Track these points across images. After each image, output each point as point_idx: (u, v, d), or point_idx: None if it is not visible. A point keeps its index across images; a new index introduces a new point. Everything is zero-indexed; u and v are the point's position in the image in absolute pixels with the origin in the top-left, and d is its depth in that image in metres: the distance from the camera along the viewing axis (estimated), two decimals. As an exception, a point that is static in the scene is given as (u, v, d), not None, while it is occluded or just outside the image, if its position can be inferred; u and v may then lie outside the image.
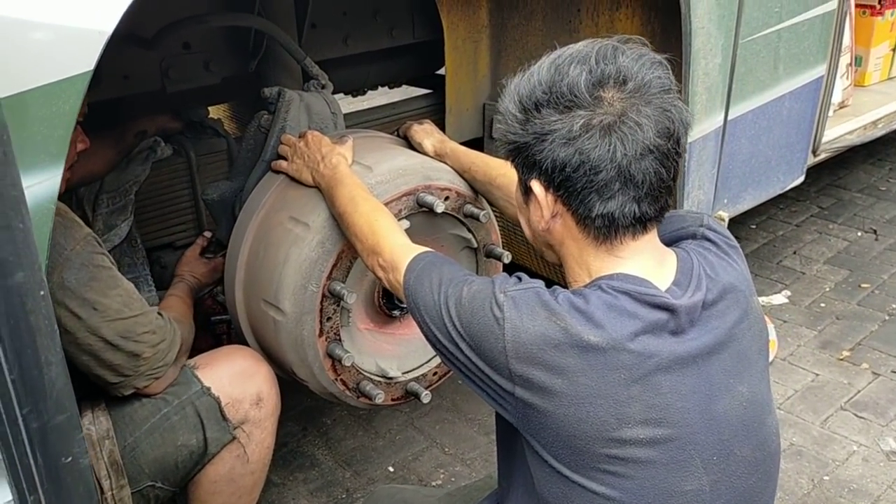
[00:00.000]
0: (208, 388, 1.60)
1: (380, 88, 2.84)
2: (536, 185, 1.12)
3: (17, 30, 1.06)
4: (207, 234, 2.06)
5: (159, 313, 1.56)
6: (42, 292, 0.67)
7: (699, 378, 1.08)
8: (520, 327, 1.06)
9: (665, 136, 1.06)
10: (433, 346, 1.21)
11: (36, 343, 0.67)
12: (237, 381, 1.64)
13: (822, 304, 3.14)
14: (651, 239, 1.13)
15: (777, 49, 2.39)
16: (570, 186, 1.09)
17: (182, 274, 1.96)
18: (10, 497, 0.72)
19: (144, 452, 1.56)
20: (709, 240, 1.21)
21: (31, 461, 0.71)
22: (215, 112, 2.63)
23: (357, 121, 2.41)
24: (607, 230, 1.10)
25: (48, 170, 1.10)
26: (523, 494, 1.20)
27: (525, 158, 1.12)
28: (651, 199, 1.08)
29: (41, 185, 1.08)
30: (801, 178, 2.80)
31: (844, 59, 3.21)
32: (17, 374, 0.67)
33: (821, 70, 2.64)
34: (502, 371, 1.08)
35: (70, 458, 0.72)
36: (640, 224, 1.10)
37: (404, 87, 2.95)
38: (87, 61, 1.11)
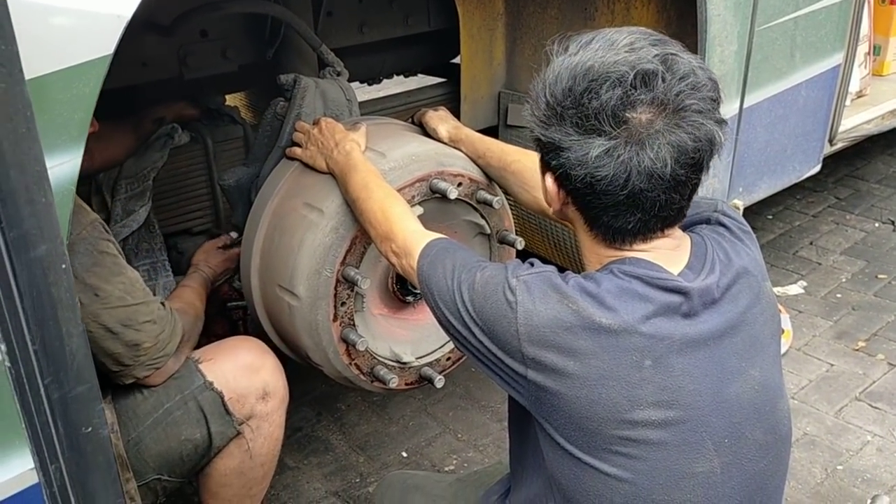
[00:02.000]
0: (211, 383, 1.59)
1: (395, 77, 2.85)
2: (549, 180, 1.13)
3: (39, 14, 1.08)
4: (234, 234, 2.03)
5: (162, 303, 1.56)
6: (63, 265, 0.68)
7: (711, 361, 1.08)
8: (532, 311, 1.07)
9: (687, 165, 1.05)
10: (446, 330, 1.23)
11: (57, 315, 0.69)
12: (241, 375, 1.62)
13: (839, 295, 3.12)
14: (662, 237, 1.13)
15: (794, 37, 2.38)
16: (578, 198, 1.10)
17: (197, 263, 1.96)
18: (32, 465, 0.75)
19: (148, 447, 1.55)
20: (723, 225, 1.21)
21: (53, 430, 0.73)
22: (231, 100, 2.65)
23: (372, 109, 2.42)
24: (614, 236, 1.12)
25: (69, 151, 1.12)
26: (536, 478, 1.21)
27: (541, 152, 1.13)
28: (661, 218, 1.09)
29: (62, 166, 1.10)
30: (818, 168, 2.78)
31: (862, 48, 3.18)
32: (40, 344, 0.69)
33: (838, 58, 2.62)
34: (515, 355, 1.09)
35: (90, 428, 0.74)
36: (650, 233, 1.11)
37: (419, 75, 2.96)
38: (106, 45, 1.13)
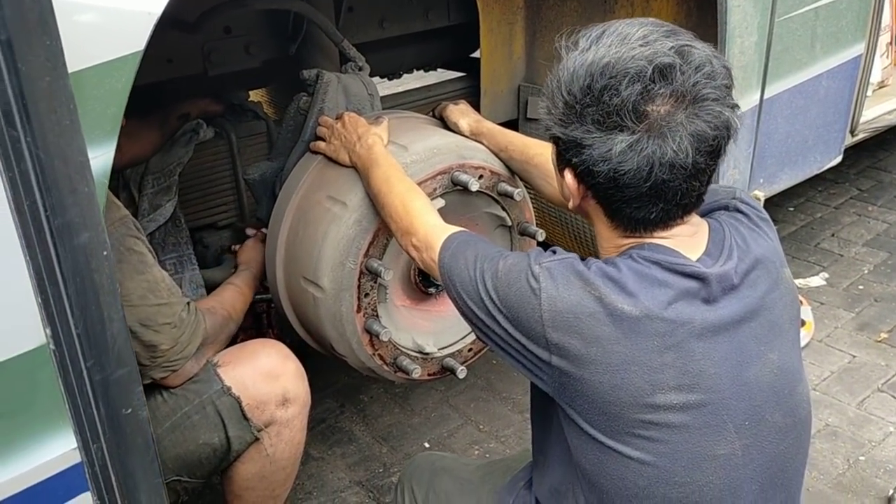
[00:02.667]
0: (228, 388, 1.57)
1: (415, 71, 2.87)
2: (569, 176, 1.15)
3: (73, 11, 1.11)
4: (263, 230, 2.04)
5: (188, 303, 1.55)
6: (105, 252, 0.71)
7: (731, 345, 1.10)
8: (556, 297, 1.09)
9: (706, 153, 1.07)
10: (469, 321, 1.25)
11: (99, 300, 0.72)
12: (261, 381, 1.60)
13: (861, 287, 3.10)
14: (681, 223, 1.15)
15: (814, 27, 2.37)
16: (600, 192, 1.12)
17: (247, 262, 1.95)
18: (74, 444, 0.78)
19: (167, 449, 1.54)
20: (740, 212, 1.22)
21: (94, 412, 0.75)
22: (254, 96, 2.68)
23: (393, 103, 2.44)
24: (635, 226, 1.14)
25: (102, 146, 1.14)
26: (559, 465, 1.23)
27: (560, 150, 1.15)
28: (682, 206, 1.11)
29: (95, 160, 1.13)
30: (839, 159, 2.77)
31: (884, 38, 3.15)
32: (82, 328, 0.71)
33: (859, 49, 2.60)
34: (539, 341, 1.11)
35: (130, 410, 0.77)
36: (670, 220, 1.13)
37: (439, 69, 2.97)
38: (137, 42, 1.16)
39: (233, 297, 1.80)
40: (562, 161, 1.16)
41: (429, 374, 1.90)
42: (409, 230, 1.44)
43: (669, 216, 1.12)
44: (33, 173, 0.66)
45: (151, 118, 2.06)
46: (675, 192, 1.08)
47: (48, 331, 0.72)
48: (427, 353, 1.88)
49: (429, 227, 1.40)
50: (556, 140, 1.15)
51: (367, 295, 1.74)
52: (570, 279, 1.10)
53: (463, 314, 1.26)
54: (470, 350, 1.96)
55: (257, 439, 1.61)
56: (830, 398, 2.51)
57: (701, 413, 1.08)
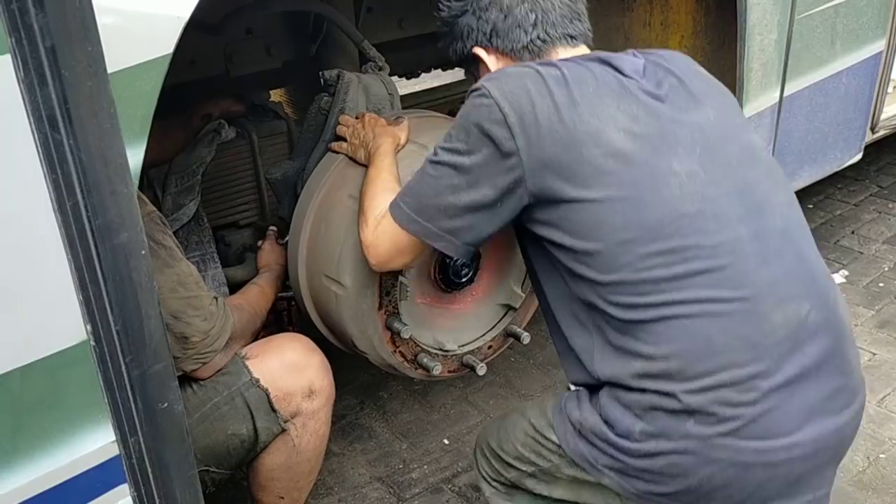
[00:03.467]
0: (257, 380, 1.61)
1: (433, 70, 2.89)
2: (481, 52, 1.46)
3: (103, 15, 1.14)
4: (273, 228, 2.09)
5: (215, 298, 1.58)
6: (143, 251, 0.74)
7: (669, 106, 1.30)
8: (503, 86, 1.28)
9: None
10: (450, 209, 1.33)
11: (138, 298, 0.74)
12: (287, 374, 1.64)
13: (881, 284, 3.09)
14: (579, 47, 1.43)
15: (834, 24, 2.36)
16: (498, 32, 1.42)
17: (268, 265, 1.99)
18: (113, 438, 0.80)
19: (196, 439, 1.54)
20: None
21: (132, 405, 0.78)
22: (275, 96, 2.71)
23: (412, 103, 2.46)
24: (541, 45, 1.41)
25: (132, 147, 1.17)
26: (568, 315, 1.36)
27: (475, 44, 1.46)
28: (567, 19, 1.42)
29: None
30: (859, 156, 2.76)
31: (906, 34, 3.14)
32: (121, 325, 0.74)
33: (880, 45, 2.59)
34: (505, 142, 1.26)
35: (166, 404, 0.79)
36: (569, 38, 1.42)
37: (457, 68, 2.98)
38: (166, 45, 1.18)
39: (257, 295, 1.84)
40: (473, 55, 1.48)
41: (449, 371, 1.92)
42: (362, 219, 1.53)
43: (559, 33, 1.41)
44: (76, 175, 0.68)
45: (175, 119, 2.09)
46: (552, 4, 1.40)
47: (89, 327, 0.74)
48: (447, 351, 1.90)
49: (379, 209, 1.49)
50: (469, 39, 1.47)
51: (388, 293, 1.76)
52: (509, 73, 1.31)
53: (441, 209, 1.34)
54: (490, 347, 1.98)
55: (284, 430, 1.64)
56: (850, 396, 2.50)
57: (649, 142, 1.25)
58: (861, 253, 3.32)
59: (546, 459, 1.44)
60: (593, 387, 1.34)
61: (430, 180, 1.36)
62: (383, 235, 1.45)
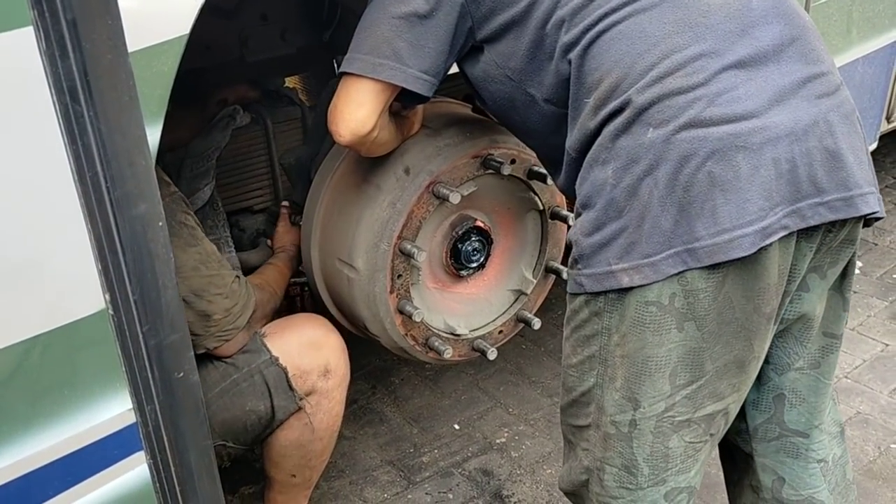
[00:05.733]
0: (276, 358, 1.64)
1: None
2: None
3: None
4: (286, 203, 2.12)
5: (237, 276, 1.61)
6: (160, 223, 0.75)
7: None
8: None
9: None
10: (386, 32, 1.34)
11: (155, 268, 0.76)
12: (305, 352, 1.67)
13: (895, 276, 3.08)
14: None
15: (850, 12, 2.35)
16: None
17: (283, 246, 2.01)
18: (130, 406, 0.82)
19: (215, 413, 1.60)
20: None
21: (149, 374, 0.80)
22: (289, 82, 2.73)
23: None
24: None
25: (149, 127, 1.19)
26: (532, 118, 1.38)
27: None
28: None
29: (143, 140, 1.18)
30: (874, 145, 2.75)
31: (923, 24, 3.11)
32: (139, 295, 0.76)
33: (896, 34, 2.58)
34: None
35: (182, 374, 0.81)
36: None
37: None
38: (183, 26, 1.20)
39: (275, 275, 1.87)
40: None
41: (459, 356, 1.93)
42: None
43: None
44: (95, 146, 0.70)
45: (191, 104, 2.10)
46: None
47: (107, 297, 0.76)
48: (458, 335, 1.91)
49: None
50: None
51: (400, 276, 1.78)
52: None
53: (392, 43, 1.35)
54: (500, 332, 1.99)
55: (300, 408, 1.67)
56: (862, 386, 2.50)
57: None
58: (875, 244, 3.30)
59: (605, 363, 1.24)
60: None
61: (369, 11, 1.37)
62: (339, 98, 1.43)
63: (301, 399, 1.67)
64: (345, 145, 1.48)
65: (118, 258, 0.74)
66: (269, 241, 2.13)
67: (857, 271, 3.09)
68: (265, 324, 1.72)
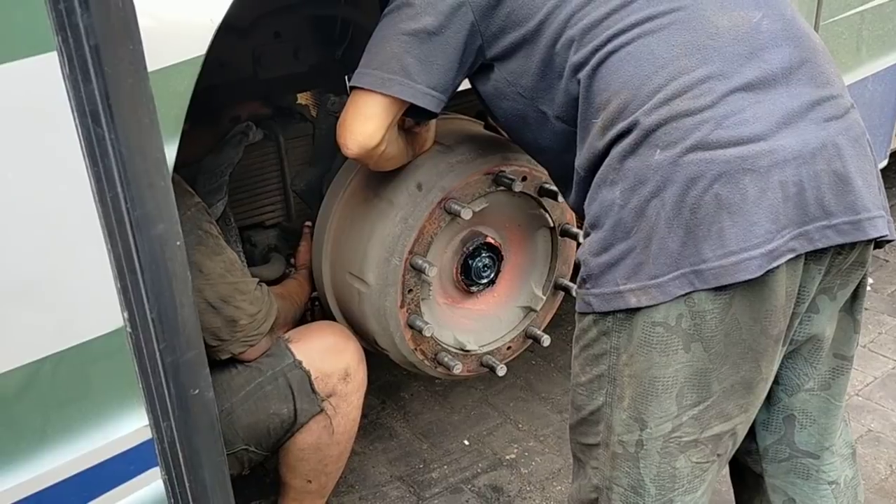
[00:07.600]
0: (300, 362, 1.69)
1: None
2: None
3: (140, 16, 1.18)
4: (308, 223, 2.13)
5: (259, 283, 1.65)
6: (178, 242, 0.77)
7: None
8: None
9: None
10: (395, 47, 1.36)
11: (172, 287, 0.77)
12: (327, 356, 1.72)
13: (906, 293, 3.07)
14: None
15: (860, 31, 2.36)
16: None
17: (305, 263, 2.04)
18: (146, 422, 0.83)
19: (239, 417, 1.65)
20: None
21: (165, 391, 0.81)
22: (301, 99, 2.75)
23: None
24: None
25: (166, 146, 1.21)
26: (543, 135, 1.39)
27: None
28: None
29: (160, 159, 1.20)
30: (885, 163, 2.75)
31: (933, 41, 3.11)
32: (156, 313, 0.77)
33: (906, 51, 2.58)
34: None
35: (197, 391, 0.82)
36: None
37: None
38: (199, 46, 1.22)
39: (296, 287, 1.93)
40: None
41: (468, 371, 1.94)
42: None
43: None
44: (116, 168, 0.71)
45: (205, 121, 2.13)
46: None
47: (125, 314, 0.77)
48: (467, 350, 1.92)
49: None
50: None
51: (410, 291, 1.79)
52: None
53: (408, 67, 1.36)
54: (509, 348, 2.00)
55: (321, 410, 1.71)
56: (874, 404, 2.49)
57: None
58: (886, 261, 3.30)
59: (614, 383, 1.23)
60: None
61: (379, 29, 1.39)
62: (347, 111, 1.45)
63: (323, 401, 1.71)
64: (353, 158, 1.50)
65: (137, 277, 0.75)
66: (285, 257, 2.15)
67: (868, 289, 3.09)
68: (287, 331, 1.77)
